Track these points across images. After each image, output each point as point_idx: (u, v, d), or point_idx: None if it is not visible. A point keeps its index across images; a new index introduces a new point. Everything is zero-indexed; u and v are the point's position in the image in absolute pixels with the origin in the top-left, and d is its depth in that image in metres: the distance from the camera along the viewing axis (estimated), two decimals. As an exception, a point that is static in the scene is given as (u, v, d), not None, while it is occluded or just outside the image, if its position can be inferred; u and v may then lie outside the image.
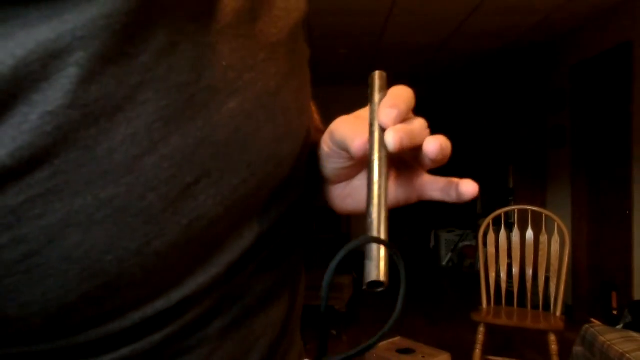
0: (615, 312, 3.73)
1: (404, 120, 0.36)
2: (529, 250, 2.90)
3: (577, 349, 2.55)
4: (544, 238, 2.87)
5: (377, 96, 0.37)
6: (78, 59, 0.25)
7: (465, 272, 6.16)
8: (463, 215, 6.55)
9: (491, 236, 2.98)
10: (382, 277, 0.30)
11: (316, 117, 0.53)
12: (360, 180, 0.41)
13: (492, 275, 2.96)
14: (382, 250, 0.31)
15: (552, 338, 2.62)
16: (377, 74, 0.39)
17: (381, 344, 2.72)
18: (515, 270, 2.96)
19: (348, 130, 0.37)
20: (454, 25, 4.14)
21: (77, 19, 0.25)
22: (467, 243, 6.49)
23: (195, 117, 0.30)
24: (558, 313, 2.77)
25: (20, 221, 0.25)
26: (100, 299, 0.29)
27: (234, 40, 0.33)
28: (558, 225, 2.85)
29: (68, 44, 0.25)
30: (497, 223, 3.08)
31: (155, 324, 0.32)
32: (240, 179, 0.33)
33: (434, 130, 0.37)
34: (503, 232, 2.95)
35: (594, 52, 4.06)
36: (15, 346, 0.29)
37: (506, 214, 2.99)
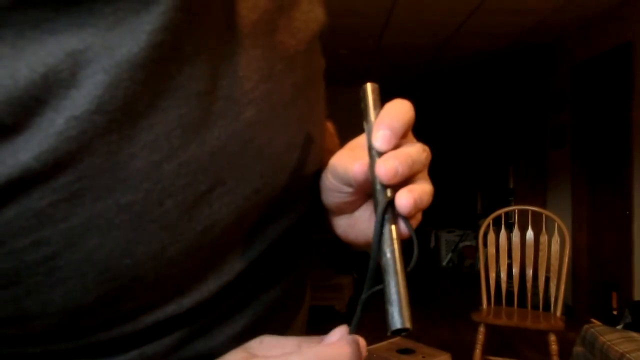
0: (615, 312, 3.73)
1: (401, 141, 0.33)
2: (529, 250, 2.90)
3: (578, 349, 2.55)
4: (544, 238, 2.87)
5: (372, 114, 0.34)
6: (105, 66, 0.25)
7: (466, 273, 6.16)
8: (463, 216, 6.56)
9: (491, 236, 2.98)
10: (407, 324, 0.28)
11: (335, 140, 0.53)
12: (363, 212, 0.38)
13: (492, 275, 2.96)
14: (403, 291, 0.28)
15: (552, 338, 2.61)
16: (369, 87, 0.35)
17: (381, 343, 2.71)
18: (516, 270, 2.96)
19: (348, 163, 0.34)
20: (454, 25, 4.14)
21: (105, 30, 0.25)
22: (467, 243, 6.49)
23: (212, 126, 0.31)
24: (558, 313, 2.77)
25: (43, 224, 0.26)
26: (116, 301, 0.29)
27: (252, 50, 0.33)
28: (558, 226, 2.85)
29: (96, 53, 0.25)
30: (497, 223, 3.07)
31: (166, 329, 0.33)
32: (254, 188, 0.34)
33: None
34: (503, 233, 2.95)
35: (594, 52, 4.06)
36: (31, 345, 0.30)
37: (506, 214, 2.99)
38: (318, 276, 4.49)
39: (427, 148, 0.35)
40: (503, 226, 2.95)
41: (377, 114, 0.34)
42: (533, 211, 2.94)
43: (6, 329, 0.29)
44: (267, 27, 0.35)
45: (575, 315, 4.19)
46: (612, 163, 3.90)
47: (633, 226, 3.61)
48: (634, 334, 2.36)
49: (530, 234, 2.91)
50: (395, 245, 0.30)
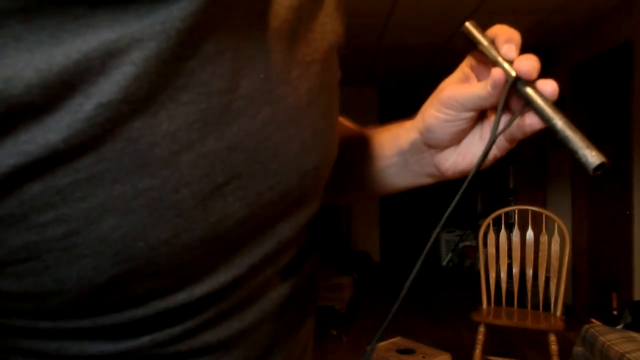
0: (615, 312, 3.73)
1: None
2: (529, 250, 2.90)
3: (577, 349, 2.55)
4: (544, 238, 2.87)
5: (484, 40, 0.41)
6: (134, 58, 0.27)
7: (466, 272, 6.16)
8: (463, 216, 6.56)
9: (491, 236, 2.98)
10: (602, 158, 0.34)
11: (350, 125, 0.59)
12: (471, 138, 0.45)
13: (492, 275, 2.96)
14: (580, 136, 0.35)
15: (552, 338, 2.62)
16: (468, 24, 0.43)
17: (381, 344, 2.72)
18: (516, 270, 2.96)
19: (470, 87, 0.42)
20: (454, 25, 4.14)
21: (137, 23, 0.27)
22: (467, 243, 6.49)
23: (231, 122, 0.32)
24: (558, 313, 2.77)
25: (64, 201, 0.27)
26: (129, 282, 0.31)
27: (272, 55, 0.35)
28: (558, 225, 2.85)
29: (127, 44, 0.27)
30: (497, 223, 3.08)
31: (177, 317, 0.34)
32: (267, 186, 0.35)
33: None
34: (503, 232, 2.96)
35: (594, 52, 4.06)
36: (43, 320, 0.31)
37: (506, 214, 2.99)
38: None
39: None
40: (503, 226, 2.95)
41: (488, 39, 0.41)
42: (533, 211, 2.95)
43: (23, 303, 0.30)
44: (287, 34, 0.37)
45: (575, 315, 4.19)
46: (612, 163, 3.90)
47: (633, 226, 3.61)
48: (634, 334, 2.36)
49: (530, 234, 2.91)
50: (551, 104, 0.38)
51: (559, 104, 0.37)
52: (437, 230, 0.40)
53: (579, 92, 4.30)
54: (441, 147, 0.46)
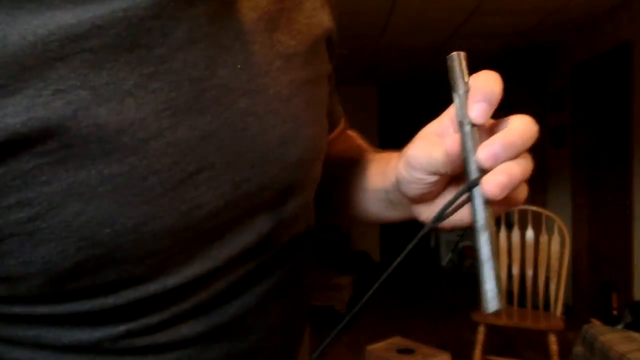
0: (615, 312, 3.73)
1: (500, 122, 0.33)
2: (529, 250, 2.90)
3: (577, 349, 2.55)
4: (544, 238, 2.87)
5: (461, 86, 0.33)
6: (93, 45, 0.27)
7: (465, 272, 6.15)
8: (463, 216, 6.55)
9: (491, 236, 2.97)
10: (501, 305, 0.30)
11: (360, 142, 0.56)
12: (445, 199, 0.38)
13: (492, 275, 2.95)
14: (497, 274, 0.31)
15: (552, 338, 2.62)
16: (456, 56, 0.34)
17: (381, 343, 2.71)
18: (515, 270, 2.96)
19: (431, 149, 0.34)
20: (453, 26, 4.14)
21: (98, 9, 0.27)
22: (467, 243, 6.48)
23: (204, 111, 0.32)
24: (558, 313, 2.77)
25: (27, 185, 0.27)
26: (95, 269, 0.30)
27: (251, 46, 0.35)
28: (558, 225, 2.85)
29: (86, 30, 0.26)
30: (497, 223, 3.07)
31: (151, 307, 0.33)
32: (243, 177, 0.35)
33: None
34: (503, 232, 2.95)
35: (594, 52, 4.06)
36: (16, 305, 0.31)
37: (506, 213, 2.99)
38: (318, 276, 4.49)
39: (533, 126, 0.34)
40: (503, 226, 2.95)
41: (467, 85, 0.33)
42: (533, 211, 2.94)
43: None
44: (267, 25, 0.36)
45: (575, 315, 4.19)
46: (612, 163, 3.90)
47: (633, 226, 3.61)
48: (634, 334, 2.36)
49: (530, 233, 2.91)
50: (489, 229, 0.32)
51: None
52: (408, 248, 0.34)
53: (579, 92, 4.30)
54: (414, 202, 0.41)
